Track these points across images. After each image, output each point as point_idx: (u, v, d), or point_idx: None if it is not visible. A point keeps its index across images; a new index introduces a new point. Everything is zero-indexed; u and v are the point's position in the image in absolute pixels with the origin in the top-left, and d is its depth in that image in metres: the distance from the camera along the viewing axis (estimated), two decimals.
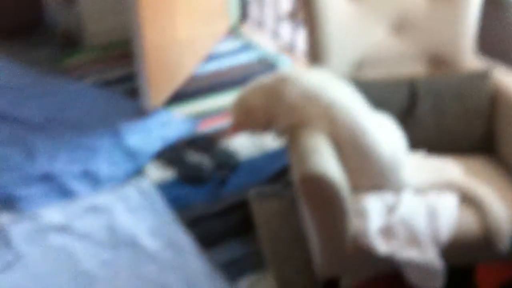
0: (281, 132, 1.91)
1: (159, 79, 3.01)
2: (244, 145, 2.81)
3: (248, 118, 1.96)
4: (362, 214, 1.67)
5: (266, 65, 3.50)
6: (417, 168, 1.83)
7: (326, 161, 1.61)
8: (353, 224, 1.65)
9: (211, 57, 3.55)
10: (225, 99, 3.15)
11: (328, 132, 1.75)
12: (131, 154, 2.71)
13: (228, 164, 2.66)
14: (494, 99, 1.97)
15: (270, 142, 2.82)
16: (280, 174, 2.62)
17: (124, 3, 2.81)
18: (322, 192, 1.56)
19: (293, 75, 1.87)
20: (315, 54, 2.09)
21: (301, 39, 3.43)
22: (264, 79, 1.95)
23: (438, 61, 2.12)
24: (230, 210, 2.44)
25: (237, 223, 2.38)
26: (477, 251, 1.69)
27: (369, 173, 1.75)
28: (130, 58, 3.03)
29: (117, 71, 3.40)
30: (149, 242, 2.27)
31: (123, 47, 3.51)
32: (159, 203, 2.45)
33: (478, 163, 1.93)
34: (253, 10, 3.98)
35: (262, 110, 1.91)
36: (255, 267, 2.18)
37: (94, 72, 3.39)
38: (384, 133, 1.79)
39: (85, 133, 2.84)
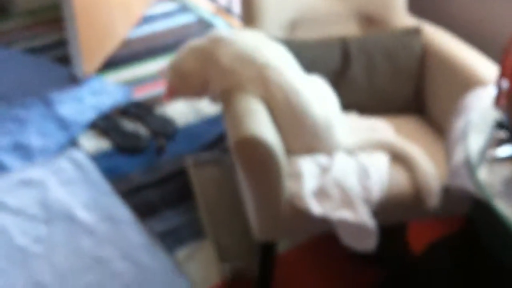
0: (216, 97, 1.88)
1: (91, 45, 2.91)
2: (181, 111, 2.76)
3: (182, 83, 1.93)
4: (296, 176, 1.67)
5: (202, 27, 3.42)
6: (349, 129, 1.84)
7: (261, 124, 1.61)
8: (288, 186, 1.65)
9: (145, 20, 3.44)
10: (161, 64, 3.07)
11: (262, 95, 1.74)
12: (63, 124, 2.63)
13: (165, 131, 2.62)
14: (424, 58, 1.99)
15: (207, 108, 2.79)
16: (218, 140, 2.60)
17: None
18: (257, 155, 1.55)
19: (226, 36, 1.83)
20: (249, 16, 2.06)
21: (237, 1, 3.37)
22: (197, 41, 1.91)
23: (370, 21, 2.12)
24: (168, 179, 2.41)
25: (175, 192, 2.36)
26: (409, 209, 1.72)
27: (303, 134, 1.75)
28: (61, 24, 2.90)
29: (47, 37, 3.26)
30: (84, 215, 2.22)
31: (52, 12, 3.37)
32: (95, 174, 2.40)
33: (408, 123, 1.96)
34: None
35: (196, 74, 1.88)
36: (194, 236, 2.17)
37: (23, 38, 3.24)
38: (317, 94, 1.79)
39: (13, 103, 2.73)
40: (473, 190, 1.23)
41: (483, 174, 1.24)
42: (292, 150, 1.75)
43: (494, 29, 2.03)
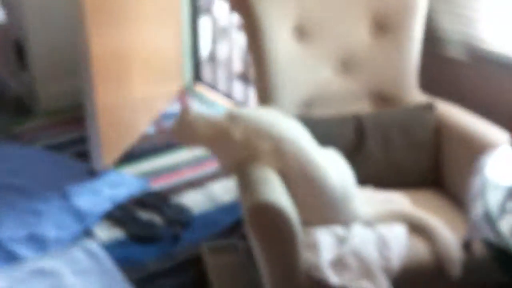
0: (229, 170, 1.86)
1: (111, 140, 2.96)
2: (197, 200, 2.75)
3: (188, 138, 1.92)
4: (313, 246, 1.63)
5: None
6: (366, 201, 1.81)
7: (276, 192, 1.59)
8: (305, 257, 1.59)
9: (165, 116, 3.51)
10: (178, 157, 3.11)
11: (277, 167, 1.72)
12: (79, 216, 2.62)
13: (180, 220, 2.59)
14: (438, 132, 1.99)
15: (223, 196, 2.78)
16: (234, 227, 2.56)
17: (76, 67, 2.80)
18: (271, 222, 1.52)
19: (241, 113, 1.85)
20: (264, 95, 2.09)
21: (252, 96, 3.45)
22: (213, 116, 1.91)
23: (383, 98, 2.14)
24: (183, 267, 2.35)
25: (191, 280, 2.29)
26: (430, 280, 1.65)
27: (320, 206, 1.72)
28: (82, 122, 2.98)
29: (68, 135, 3.33)
30: None
31: (75, 111, 3.46)
32: (108, 264, 2.35)
33: (425, 196, 1.92)
34: (206, 71, 4.01)
35: (204, 140, 1.87)
36: None
37: (45, 136, 3.32)
38: (333, 166, 1.77)
39: (32, 197, 2.75)
40: (494, 240, 1.17)
41: (504, 224, 1.19)
42: (308, 222, 1.71)
43: (500, 100, 2.06)
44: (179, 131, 1.89)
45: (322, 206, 1.72)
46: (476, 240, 1.52)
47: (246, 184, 1.66)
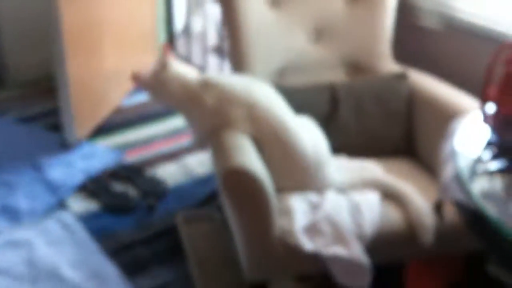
0: (201, 137, 1.86)
1: (83, 112, 2.93)
2: (172, 173, 2.74)
3: (160, 95, 1.88)
4: (287, 213, 1.64)
5: None
6: (340, 169, 1.82)
7: (249, 158, 1.59)
8: (279, 223, 1.60)
9: (139, 88, 3.47)
10: (152, 129, 3.09)
11: (251, 133, 1.73)
12: (52, 187, 2.60)
13: (155, 191, 2.58)
14: (411, 100, 2.01)
15: (198, 168, 2.77)
16: (209, 198, 2.56)
17: (47, 37, 2.75)
18: (245, 187, 1.52)
19: (213, 79, 1.84)
20: (238, 64, 2.08)
21: (227, 70, 3.43)
22: (189, 75, 1.88)
23: (357, 67, 2.15)
24: (158, 237, 2.35)
25: (165, 249, 2.29)
26: (403, 246, 1.67)
27: (293, 172, 1.73)
28: (54, 93, 2.94)
29: (40, 106, 3.28)
30: (71, 274, 2.15)
31: (47, 82, 3.41)
32: (82, 234, 2.34)
33: (398, 164, 1.94)
34: (181, 44, 3.97)
35: (176, 101, 1.85)
36: None
37: (17, 108, 3.27)
38: (307, 133, 1.78)
39: (4, 169, 2.71)
40: (464, 202, 1.20)
41: (475, 187, 1.22)
42: (282, 188, 1.72)
43: (472, 69, 2.08)
44: (153, 86, 1.87)
45: (296, 173, 1.73)
46: (447, 202, 1.54)
47: (220, 150, 1.66)
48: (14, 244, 2.27)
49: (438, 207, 1.60)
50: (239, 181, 1.53)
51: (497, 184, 1.26)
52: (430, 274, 2.10)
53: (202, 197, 2.58)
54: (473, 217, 1.21)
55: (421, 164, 1.96)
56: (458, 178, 1.24)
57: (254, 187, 1.53)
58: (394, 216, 1.69)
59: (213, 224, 2.37)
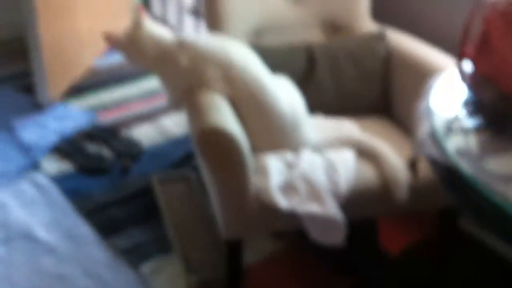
0: (178, 97, 1.83)
1: (56, 73, 2.87)
2: (147, 134, 2.72)
3: (134, 54, 1.85)
4: (262, 171, 1.63)
5: None
6: (316, 128, 1.82)
7: (225, 117, 1.58)
8: (254, 181, 1.60)
9: (113, 49, 3.41)
10: (127, 91, 3.05)
11: (226, 93, 1.70)
12: (25, 149, 2.56)
13: (129, 152, 2.56)
14: (388, 60, 2.01)
15: (173, 129, 2.75)
16: (185, 159, 2.55)
17: None
18: (221, 146, 1.51)
19: (188, 40, 1.81)
20: (213, 23, 2.05)
21: (203, 32, 3.38)
22: (164, 35, 1.84)
23: (335, 27, 2.13)
24: (133, 197, 2.34)
25: (141, 210, 2.28)
26: (377, 203, 1.69)
27: (269, 131, 1.72)
28: (26, 54, 2.87)
29: (12, 68, 3.21)
30: (45, 235, 2.13)
31: (18, 43, 3.33)
32: (56, 195, 2.32)
33: (374, 123, 1.95)
34: (156, 5, 3.90)
35: (150, 62, 1.81)
36: (160, 251, 2.09)
37: None
38: (284, 93, 1.77)
39: None
40: (439, 158, 1.20)
41: (450, 144, 1.22)
42: (258, 148, 1.71)
43: (449, 27, 2.08)
44: (126, 46, 1.83)
45: (271, 132, 1.72)
46: (421, 159, 1.55)
47: (195, 109, 1.64)
48: None
49: (412, 164, 1.61)
50: (214, 140, 1.52)
51: (472, 141, 1.26)
52: (403, 230, 2.14)
53: (178, 158, 2.56)
54: (447, 174, 1.22)
55: (397, 123, 1.96)
56: (433, 135, 1.24)
57: (230, 146, 1.51)
58: (369, 173, 1.70)
59: (189, 184, 2.36)
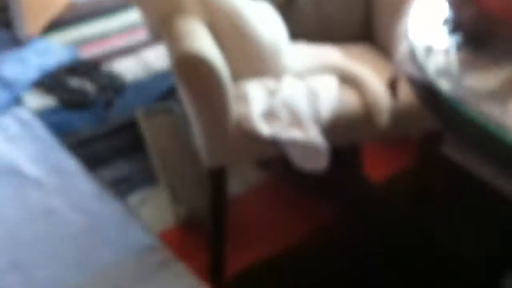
0: (156, 26, 1.80)
1: (34, 7, 2.81)
2: (130, 68, 2.69)
3: None
4: (243, 99, 1.62)
5: None
6: (298, 55, 1.80)
7: (203, 43, 1.55)
8: (235, 109, 1.60)
9: None
10: (107, 24, 2.99)
11: (205, 19, 1.67)
12: (6, 84, 2.53)
13: (112, 86, 2.54)
14: None
15: (156, 63, 2.72)
16: (169, 93, 2.53)
17: None
18: (200, 73, 1.49)
19: None
20: None
21: None
22: None
23: None
24: (118, 131, 2.34)
25: (126, 143, 2.29)
26: (359, 128, 1.69)
27: (250, 58, 1.70)
28: None
29: None
30: (31, 169, 2.14)
31: None
32: (40, 130, 2.31)
33: (357, 49, 1.93)
34: None
35: None
36: (147, 182, 2.12)
37: None
38: (264, 19, 1.74)
39: None
40: (418, 77, 1.20)
41: (429, 63, 1.22)
42: (238, 75, 1.69)
43: None
44: None
45: (252, 59, 1.70)
46: (401, 80, 1.55)
47: (172, 36, 1.61)
48: None
49: (392, 85, 1.61)
50: (192, 67, 1.49)
51: (452, 60, 1.26)
52: (387, 159, 2.17)
53: (162, 91, 2.55)
54: (426, 93, 1.22)
55: (380, 49, 1.95)
56: (412, 54, 1.24)
57: (208, 72, 1.49)
58: (351, 99, 1.69)
59: (173, 117, 2.35)
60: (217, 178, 1.68)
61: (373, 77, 1.72)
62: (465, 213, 2.01)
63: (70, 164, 2.16)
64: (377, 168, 2.16)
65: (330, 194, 2.06)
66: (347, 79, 1.74)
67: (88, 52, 2.78)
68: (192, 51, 1.50)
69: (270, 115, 1.63)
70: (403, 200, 2.04)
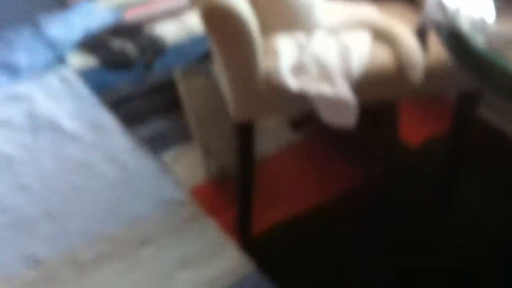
0: None
1: None
2: (171, 30, 2.71)
3: None
4: (272, 52, 1.61)
5: None
6: (332, 10, 1.77)
7: None
8: (264, 62, 1.58)
9: None
10: None
11: None
12: (51, 44, 2.59)
13: (153, 48, 2.57)
14: None
15: (197, 26, 2.73)
16: (208, 55, 2.54)
17: None
18: (227, 25, 1.48)
19: None
20: None
21: None
22: None
23: None
24: (156, 91, 2.38)
25: (163, 102, 2.32)
26: (392, 85, 1.65)
27: (281, 12, 1.68)
28: None
29: None
30: (70, 124, 2.20)
31: None
32: (81, 88, 2.37)
33: (395, 8, 1.87)
34: None
35: None
36: (181, 140, 2.14)
37: None
38: None
39: (2, 26, 2.70)
40: (444, 22, 1.16)
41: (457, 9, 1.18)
42: (268, 28, 1.67)
43: None
44: None
45: (283, 11, 1.68)
46: (431, 32, 1.49)
47: None
48: (13, 98, 2.31)
49: (420, 33, 1.55)
50: (218, 17, 1.49)
51: (486, 7, 1.21)
52: (423, 122, 2.12)
53: (201, 54, 2.55)
54: (452, 39, 1.18)
55: (420, 9, 1.89)
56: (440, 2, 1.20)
57: (235, 23, 1.48)
58: (384, 55, 1.65)
59: (210, 79, 2.36)
60: (244, 133, 1.68)
61: (409, 34, 1.67)
62: (502, 176, 1.94)
63: (108, 120, 2.20)
64: (413, 132, 2.11)
65: (363, 156, 2.03)
66: (381, 35, 1.70)
67: (131, 15, 2.81)
68: (219, 3, 1.49)
69: (299, 69, 1.60)
70: (439, 164, 1.98)
